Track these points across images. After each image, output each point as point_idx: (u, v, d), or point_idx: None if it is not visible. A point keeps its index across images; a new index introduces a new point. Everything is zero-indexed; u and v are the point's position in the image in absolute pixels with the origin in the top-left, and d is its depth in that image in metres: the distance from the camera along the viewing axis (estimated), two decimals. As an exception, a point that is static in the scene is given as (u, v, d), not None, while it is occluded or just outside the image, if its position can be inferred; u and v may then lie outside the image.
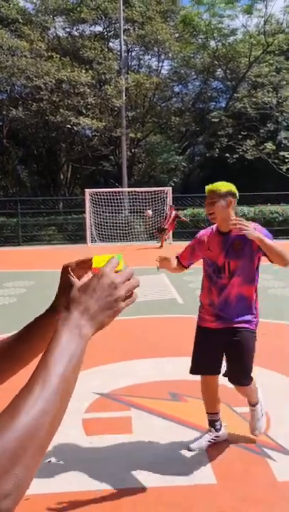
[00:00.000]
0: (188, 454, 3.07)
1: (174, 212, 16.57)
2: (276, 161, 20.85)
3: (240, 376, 3.02)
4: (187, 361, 4.84)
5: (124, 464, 2.96)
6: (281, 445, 3.15)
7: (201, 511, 2.52)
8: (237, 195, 3.00)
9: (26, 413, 0.57)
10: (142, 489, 2.71)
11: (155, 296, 8.00)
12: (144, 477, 2.82)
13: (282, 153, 20.61)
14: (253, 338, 3.02)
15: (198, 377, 4.38)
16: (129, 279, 0.73)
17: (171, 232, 17.15)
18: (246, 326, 2.99)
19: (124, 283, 0.72)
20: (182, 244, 14.59)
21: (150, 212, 16.80)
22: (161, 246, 16.11)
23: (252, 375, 3.08)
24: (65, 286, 0.76)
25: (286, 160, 20.42)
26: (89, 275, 0.78)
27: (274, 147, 20.71)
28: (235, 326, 2.98)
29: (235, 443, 3.19)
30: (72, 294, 0.71)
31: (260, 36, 20.63)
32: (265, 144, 20.91)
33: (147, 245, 16.62)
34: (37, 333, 0.85)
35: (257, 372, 4.46)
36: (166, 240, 16.77)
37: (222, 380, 4.25)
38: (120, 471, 2.89)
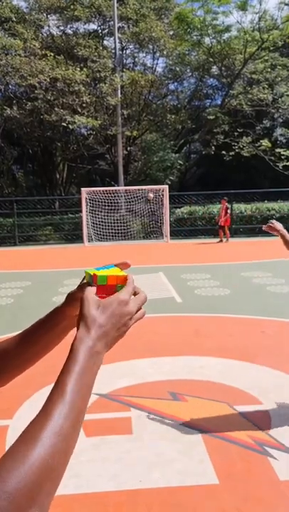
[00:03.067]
0: (190, 453, 3.04)
1: (225, 205, 16.68)
2: (272, 158, 20.84)
3: None
4: (186, 360, 4.82)
5: (125, 464, 2.93)
6: (283, 443, 3.13)
7: (204, 511, 2.50)
8: None
9: (43, 444, 0.55)
10: (144, 490, 2.68)
11: (153, 295, 7.97)
12: (146, 478, 2.79)
13: (278, 150, 20.58)
14: None
15: (197, 377, 4.36)
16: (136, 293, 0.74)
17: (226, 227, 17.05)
18: None
19: (135, 302, 0.72)
20: (181, 242, 14.55)
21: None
22: (221, 240, 16.70)
23: None
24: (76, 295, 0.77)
25: (282, 157, 20.41)
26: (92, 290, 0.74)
27: (270, 144, 20.68)
28: None
29: (237, 442, 3.17)
30: (92, 313, 0.69)
31: (254, 33, 20.60)
32: (261, 141, 20.89)
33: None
34: (39, 336, 0.84)
35: (257, 370, 4.45)
36: (224, 237, 16.87)
37: (222, 380, 4.23)
38: (121, 472, 2.86)
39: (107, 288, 0.73)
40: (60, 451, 0.56)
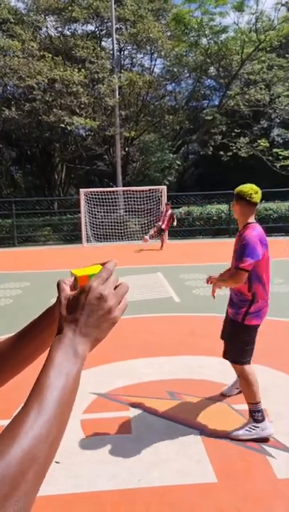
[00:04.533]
0: (188, 453, 3.05)
1: (170, 211, 16.06)
2: (270, 158, 20.87)
3: None
4: (185, 360, 4.84)
5: (123, 464, 2.94)
6: (281, 442, 3.14)
7: (202, 511, 2.51)
8: (250, 197, 3.30)
9: (24, 438, 0.55)
10: (143, 489, 2.69)
11: (152, 295, 7.98)
12: (145, 477, 2.80)
13: (275, 150, 20.61)
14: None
15: (195, 376, 4.38)
16: (117, 286, 0.72)
17: (166, 232, 16.72)
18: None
19: (113, 292, 0.70)
20: (179, 242, 14.52)
21: (148, 238, 15.29)
22: (162, 247, 15.55)
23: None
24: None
25: (280, 157, 20.44)
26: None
27: (268, 144, 20.71)
28: None
29: (235, 441, 3.18)
30: (62, 313, 0.70)
31: (251, 33, 20.62)
32: (259, 141, 20.92)
33: (145, 246, 16.52)
34: (33, 338, 0.84)
35: (256, 369, 4.46)
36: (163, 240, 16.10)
37: (221, 379, 4.24)
38: (120, 471, 2.87)
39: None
40: (34, 458, 0.55)
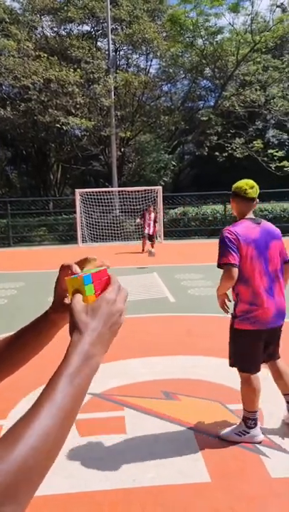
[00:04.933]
0: (183, 453, 3.07)
1: (152, 214, 14.98)
2: (265, 159, 20.95)
3: None
4: (179, 360, 4.85)
5: (119, 464, 2.95)
6: (274, 441, 3.16)
7: (197, 510, 2.52)
8: (245, 192, 3.18)
9: (25, 444, 0.54)
10: (137, 489, 2.70)
11: (147, 295, 8.00)
12: (139, 477, 2.81)
13: (270, 150, 20.70)
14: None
15: (190, 376, 4.39)
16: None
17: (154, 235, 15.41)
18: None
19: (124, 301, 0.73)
20: (175, 243, 14.55)
21: (153, 251, 13.20)
22: (144, 251, 14.59)
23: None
24: (61, 300, 0.78)
25: (275, 158, 20.52)
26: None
27: (262, 145, 20.79)
28: None
29: (229, 440, 3.19)
30: (83, 319, 0.69)
31: (246, 35, 20.68)
32: (254, 142, 21.00)
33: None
34: (30, 339, 0.85)
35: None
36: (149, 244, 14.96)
37: (215, 379, 4.26)
38: (114, 471, 2.88)
39: (99, 279, 0.74)
40: (43, 452, 0.55)
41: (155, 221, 15.09)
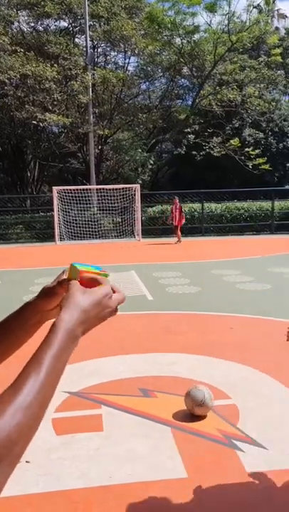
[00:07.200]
0: (159, 449, 3.09)
1: (178, 205, 16.38)
2: (242, 157, 21.18)
3: None
4: (156, 357, 4.87)
5: (95, 461, 2.95)
6: (250, 436, 3.21)
7: (173, 505, 2.55)
8: None
9: (9, 419, 0.56)
10: (114, 486, 2.71)
11: (125, 293, 7.97)
12: (116, 474, 2.82)
13: (246, 149, 20.93)
14: None
15: (167, 373, 4.42)
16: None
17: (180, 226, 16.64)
18: None
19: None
20: (153, 241, 14.60)
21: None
22: (179, 241, 16.30)
23: None
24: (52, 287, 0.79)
25: (251, 156, 20.76)
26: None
27: (239, 144, 21.02)
28: None
29: (205, 436, 3.23)
30: (76, 296, 0.70)
31: (223, 34, 20.82)
32: (231, 141, 21.20)
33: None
34: (16, 327, 0.83)
35: (225, 365, 4.54)
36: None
37: (192, 376, 4.30)
38: (91, 469, 2.88)
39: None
40: (25, 427, 0.57)
41: (181, 211, 16.37)
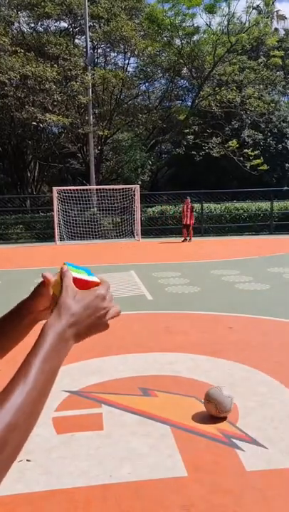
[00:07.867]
0: (159, 448, 3.09)
1: (189, 205, 16.79)
2: (241, 158, 21.20)
3: None
4: (156, 356, 4.88)
5: (96, 460, 2.96)
6: (249, 435, 3.22)
7: (173, 504, 2.55)
8: None
9: (10, 407, 0.58)
10: (114, 485, 2.71)
11: (125, 293, 8.01)
12: (116, 473, 2.82)
13: (245, 150, 20.96)
14: None
15: (167, 372, 4.43)
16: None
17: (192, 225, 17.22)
18: None
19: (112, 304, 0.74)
20: (151, 242, 14.62)
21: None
22: (190, 239, 17.00)
23: None
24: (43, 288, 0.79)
25: (250, 157, 20.79)
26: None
27: (237, 144, 21.04)
28: None
29: (205, 435, 3.24)
30: (67, 301, 0.70)
31: (223, 35, 20.85)
32: (230, 142, 21.23)
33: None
34: (12, 327, 0.84)
35: (225, 364, 4.56)
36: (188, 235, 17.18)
37: (191, 375, 4.31)
38: (91, 468, 2.88)
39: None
40: (15, 427, 0.58)
41: (191, 211, 16.89)
